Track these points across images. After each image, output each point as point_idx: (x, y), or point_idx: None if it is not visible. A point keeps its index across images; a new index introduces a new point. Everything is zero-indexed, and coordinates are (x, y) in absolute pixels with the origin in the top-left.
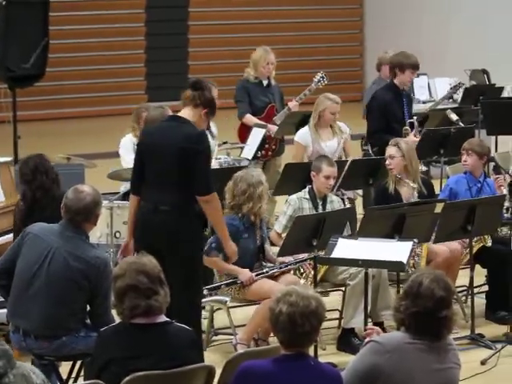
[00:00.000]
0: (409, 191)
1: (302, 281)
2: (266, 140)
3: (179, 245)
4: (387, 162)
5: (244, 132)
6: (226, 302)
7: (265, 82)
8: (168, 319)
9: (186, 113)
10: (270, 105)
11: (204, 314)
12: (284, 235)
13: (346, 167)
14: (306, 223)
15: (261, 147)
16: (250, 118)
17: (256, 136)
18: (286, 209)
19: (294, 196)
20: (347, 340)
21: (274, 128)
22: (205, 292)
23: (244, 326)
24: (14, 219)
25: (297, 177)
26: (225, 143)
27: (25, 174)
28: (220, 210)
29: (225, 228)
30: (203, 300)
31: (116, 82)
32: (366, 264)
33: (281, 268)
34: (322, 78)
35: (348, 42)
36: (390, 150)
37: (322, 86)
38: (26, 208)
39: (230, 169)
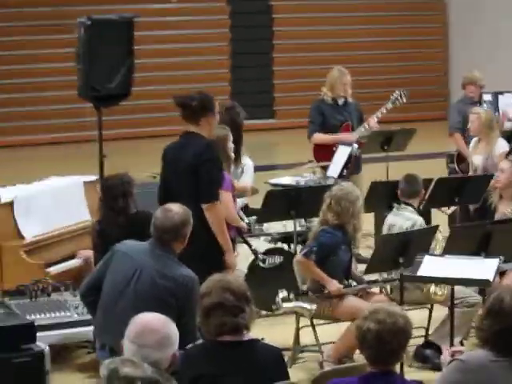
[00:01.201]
0: (505, 208)
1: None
2: (351, 158)
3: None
4: (496, 174)
5: (318, 152)
6: (312, 310)
7: (340, 101)
8: (255, 337)
9: (194, 129)
10: (345, 123)
11: (288, 329)
12: None
13: (432, 186)
14: (392, 241)
15: (346, 165)
16: (318, 137)
17: (342, 154)
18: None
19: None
20: (424, 352)
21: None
22: (291, 296)
23: (329, 343)
24: (92, 239)
25: (383, 194)
26: (310, 162)
27: (102, 194)
28: (223, 219)
29: (227, 239)
30: (290, 305)
31: None
32: (452, 282)
33: (368, 284)
34: (400, 96)
35: (432, 60)
36: (503, 164)
37: (401, 105)
38: (100, 229)
39: (316, 188)
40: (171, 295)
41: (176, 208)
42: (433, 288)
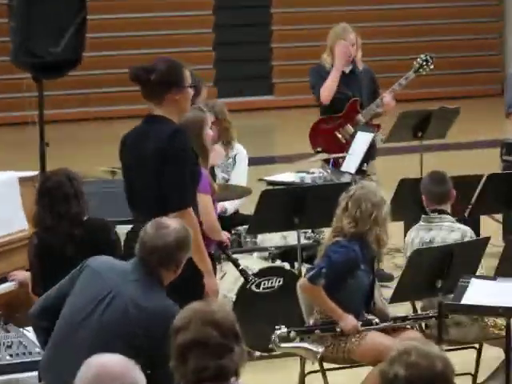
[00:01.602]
0: None
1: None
2: (373, 148)
3: None
4: None
5: (316, 135)
6: (318, 353)
7: (346, 69)
8: None
9: (159, 111)
10: (352, 98)
11: (290, 374)
12: None
13: (481, 185)
14: (428, 258)
15: (367, 158)
16: (325, 90)
17: (361, 142)
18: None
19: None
20: None
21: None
22: (292, 335)
23: None
24: (28, 256)
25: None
26: (319, 152)
27: (40, 196)
28: (198, 230)
29: (205, 257)
30: (289, 345)
31: None
32: (509, 313)
33: (395, 322)
34: (426, 61)
35: (483, 17)
36: None
37: (426, 74)
38: (39, 243)
39: (328, 187)
40: (144, 334)
41: (174, 224)
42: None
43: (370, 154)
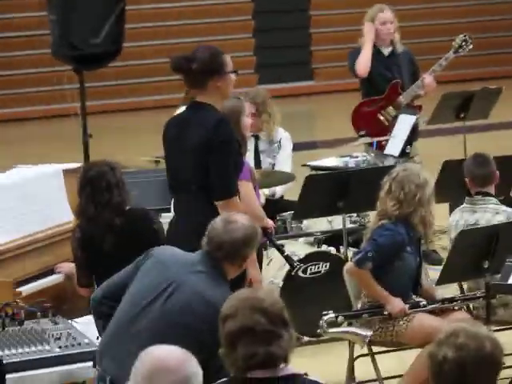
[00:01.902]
0: None
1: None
2: (416, 130)
3: None
4: None
5: (358, 119)
6: (367, 337)
7: (386, 51)
8: (296, 371)
9: (202, 98)
10: (393, 81)
11: (339, 360)
12: None
13: None
14: (474, 239)
15: (410, 140)
16: (360, 62)
17: (404, 124)
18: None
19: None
20: None
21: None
22: (339, 319)
23: (395, 378)
24: (72, 249)
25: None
26: (363, 136)
27: (83, 187)
28: None
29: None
30: (337, 330)
31: None
32: None
33: (443, 303)
34: (465, 41)
35: None
36: None
37: (465, 53)
38: (82, 235)
39: (372, 171)
40: (209, 329)
41: (242, 220)
42: None
43: (413, 136)
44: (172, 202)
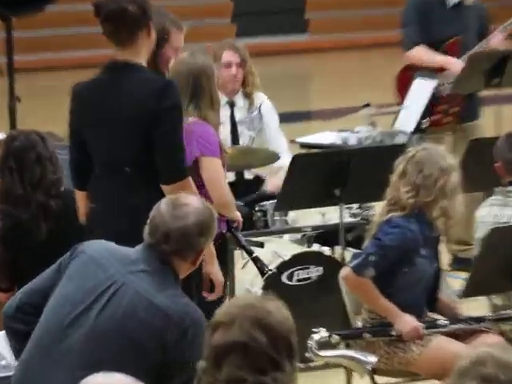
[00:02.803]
0: None
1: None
2: (438, 99)
3: None
4: None
5: (405, 87)
6: (369, 364)
7: (450, 1)
8: None
9: (129, 56)
10: (453, 38)
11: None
12: None
13: None
14: (506, 241)
15: (428, 111)
16: (417, 53)
17: (420, 92)
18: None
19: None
20: None
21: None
22: (334, 340)
23: None
24: None
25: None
26: (366, 106)
27: (5, 160)
28: None
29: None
30: (331, 353)
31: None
32: None
33: (467, 322)
34: None
35: None
36: None
37: None
38: (4, 222)
39: (378, 149)
40: (159, 342)
41: (194, 202)
42: None
43: (469, 108)
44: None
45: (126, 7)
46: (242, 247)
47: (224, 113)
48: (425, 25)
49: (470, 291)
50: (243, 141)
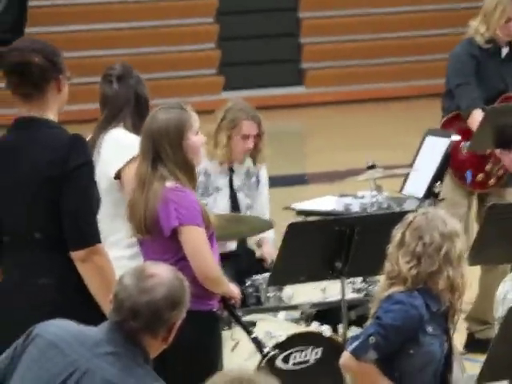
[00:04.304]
0: None
1: None
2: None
3: None
4: None
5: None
6: None
7: (504, 51)
8: None
9: (36, 112)
10: (504, 94)
11: None
12: None
13: None
14: None
15: (442, 173)
16: (477, 116)
17: (431, 152)
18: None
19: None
20: None
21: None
22: None
23: None
24: None
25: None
26: (372, 167)
27: None
28: (110, 273)
29: None
30: None
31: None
32: None
33: None
34: None
35: None
36: None
37: None
38: None
39: (385, 217)
40: None
41: (162, 272)
42: None
43: (446, 168)
44: None
45: (31, 59)
46: (242, 326)
47: (222, 179)
48: (481, 74)
49: (486, 376)
50: (241, 208)
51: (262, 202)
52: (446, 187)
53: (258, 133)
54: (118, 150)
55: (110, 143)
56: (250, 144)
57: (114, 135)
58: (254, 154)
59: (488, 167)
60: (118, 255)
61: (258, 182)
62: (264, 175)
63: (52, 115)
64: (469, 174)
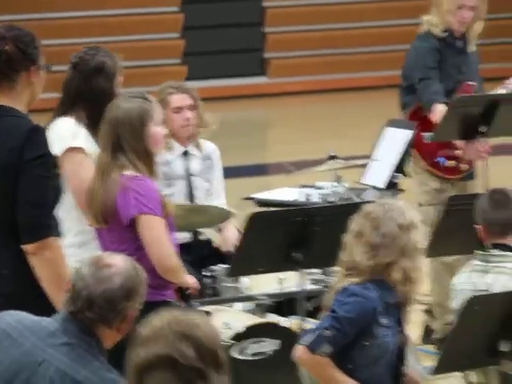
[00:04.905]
0: None
1: None
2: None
3: None
4: None
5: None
6: None
7: (459, 43)
8: None
9: (4, 100)
10: (465, 83)
11: None
12: None
13: None
14: (488, 311)
15: (403, 165)
16: (439, 111)
17: (392, 143)
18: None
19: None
20: None
21: None
22: None
23: None
24: None
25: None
26: (333, 158)
27: None
28: (62, 266)
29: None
30: None
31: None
32: None
33: None
34: None
35: None
36: None
37: None
38: None
39: (345, 207)
40: None
41: (119, 262)
42: None
43: (406, 160)
44: None
45: (1, 48)
46: None
47: (179, 166)
48: (442, 66)
49: (443, 367)
50: (199, 195)
51: (215, 186)
52: (424, 179)
53: (192, 103)
54: (55, 140)
55: (50, 132)
56: (186, 114)
57: (57, 125)
58: (200, 125)
59: (457, 152)
60: (66, 243)
61: (212, 164)
62: (217, 158)
63: (21, 105)
64: (441, 160)
